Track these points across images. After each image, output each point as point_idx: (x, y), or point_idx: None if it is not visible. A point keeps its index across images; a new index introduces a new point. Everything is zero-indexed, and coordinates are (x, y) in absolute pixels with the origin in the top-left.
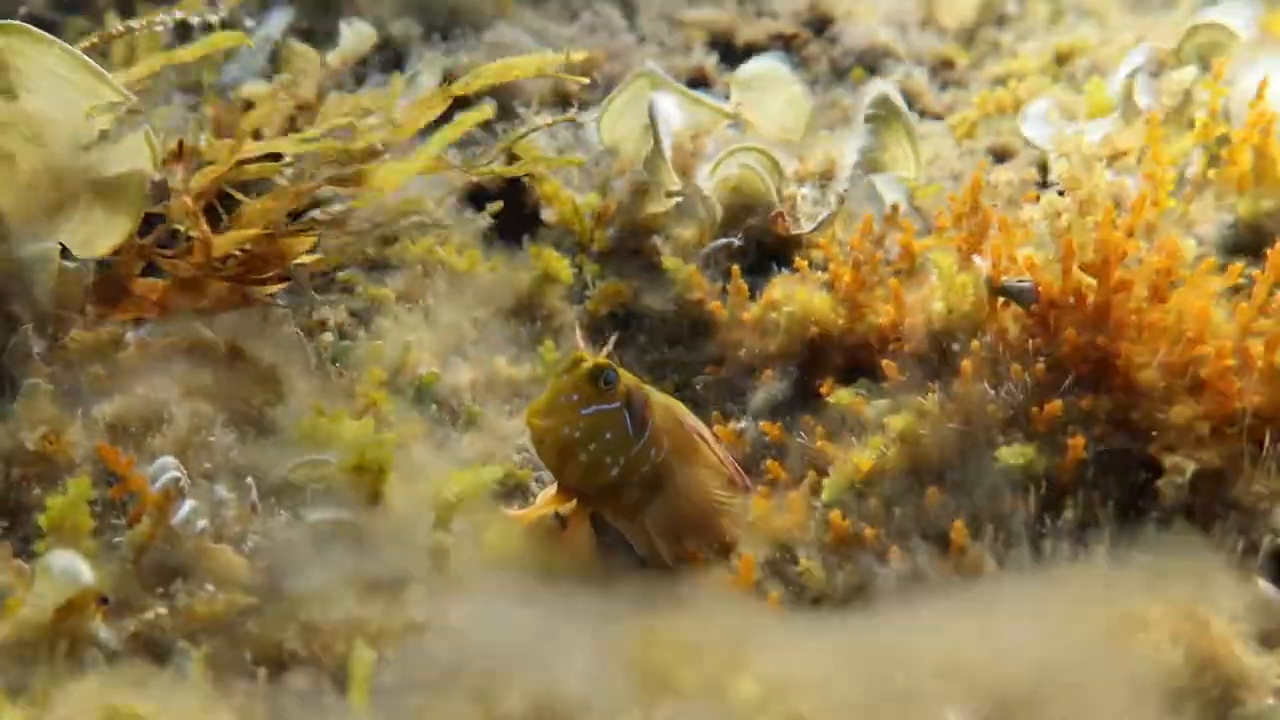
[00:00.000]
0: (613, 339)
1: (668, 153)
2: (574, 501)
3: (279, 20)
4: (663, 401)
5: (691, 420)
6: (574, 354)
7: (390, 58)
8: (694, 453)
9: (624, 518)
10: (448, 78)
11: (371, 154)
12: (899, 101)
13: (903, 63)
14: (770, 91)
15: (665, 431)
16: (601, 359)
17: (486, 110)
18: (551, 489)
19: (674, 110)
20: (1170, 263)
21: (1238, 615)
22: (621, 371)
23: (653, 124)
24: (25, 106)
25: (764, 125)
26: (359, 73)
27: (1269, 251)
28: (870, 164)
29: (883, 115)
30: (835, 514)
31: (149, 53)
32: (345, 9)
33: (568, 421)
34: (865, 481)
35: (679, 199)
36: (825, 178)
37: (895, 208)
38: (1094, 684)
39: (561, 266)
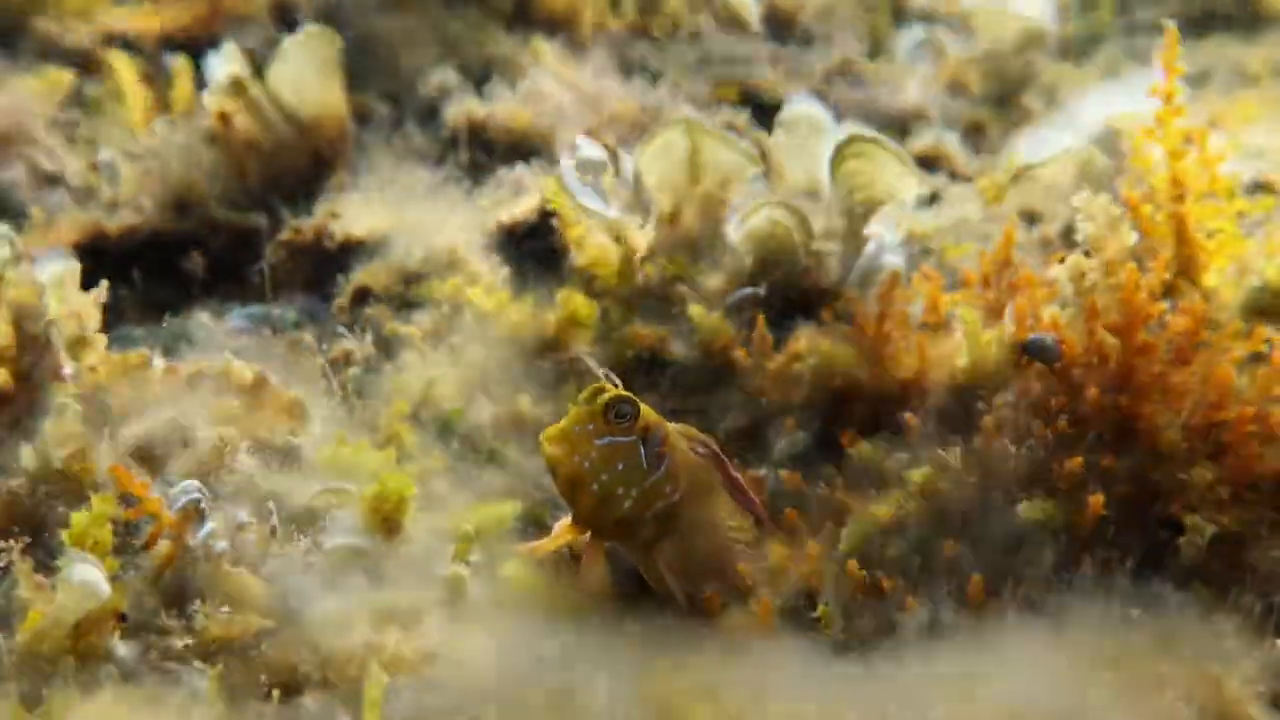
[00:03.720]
0: (602, 373)
1: (595, 205)
2: (588, 534)
3: None
4: (685, 442)
5: (705, 448)
6: (595, 385)
7: (428, 105)
8: (712, 493)
9: (638, 553)
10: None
11: None
12: (866, 130)
13: (934, 125)
14: (809, 139)
15: (684, 470)
16: (622, 391)
17: None
18: (567, 520)
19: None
20: (1194, 326)
21: (1252, 677)
22: (644, 407)
23: (567, 192)
24: None
25: (795, 174)
26: (397, 117)
27: None
28: (862, 203)
29: (857, 151)
30: (852, 564)
31: None
32: (384, 57)
33: (580, 451)
34: (884, 532)
35: (649, 226)
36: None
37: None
38: None
39: (587, 310)
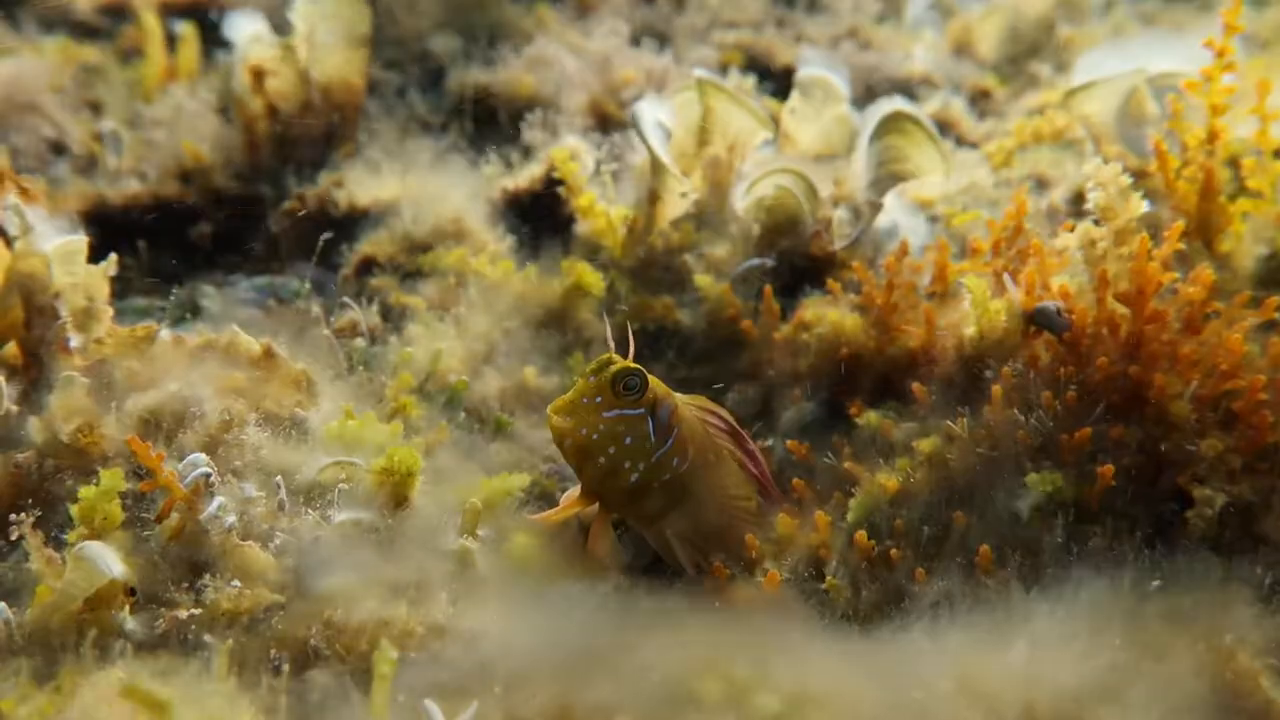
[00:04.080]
0: (631, 344)
1: (666, 159)
2: (595, 505)
3: None
4: (694, 413)
5: (722, 421)
6: (604, 356)
7: (432, 72)
8: (720, 465)
9: (646, 524)
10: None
11: None
12: (911, 108)
13: (940, 90)
14: (821, 104)
15: (691, 442)
16: (630, 364)
17: None
18: (575, 491)
19: (664, 119)
20: (1204, 294)
21: (1263, 649)
22: (652, 379)
23: (642, 135)
24: None
25: (805, 139)
26: (400, 85)
27: None
28: (890, 175)
29: (897, 126)
30: (860, 534)
31: None
32: (387, 23)
33: (587, 423)
34: (892, 502)
35: (691, 196)
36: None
37: (942, 245)
38: (1116, 714)
39: (594, 279)
